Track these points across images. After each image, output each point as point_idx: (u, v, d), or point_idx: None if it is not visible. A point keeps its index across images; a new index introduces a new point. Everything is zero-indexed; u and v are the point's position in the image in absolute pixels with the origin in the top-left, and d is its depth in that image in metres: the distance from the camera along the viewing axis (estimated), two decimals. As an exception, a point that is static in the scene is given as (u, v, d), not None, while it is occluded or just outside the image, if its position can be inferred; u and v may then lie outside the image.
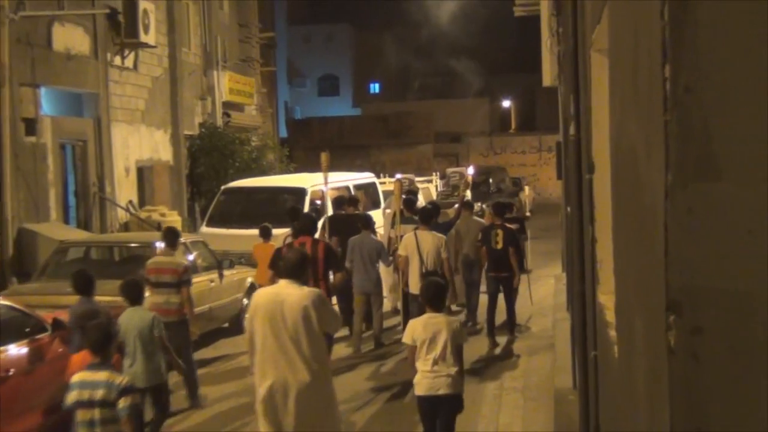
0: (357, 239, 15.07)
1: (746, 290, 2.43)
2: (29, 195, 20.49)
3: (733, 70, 2.41)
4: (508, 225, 15.58)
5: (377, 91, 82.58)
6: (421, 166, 47.31)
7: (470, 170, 26.97)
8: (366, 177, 24.81)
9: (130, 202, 25.43)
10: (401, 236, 14.63)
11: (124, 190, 25.29)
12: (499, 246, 15.00)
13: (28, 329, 10.09)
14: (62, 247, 16.10)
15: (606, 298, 5.91)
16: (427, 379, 8.42)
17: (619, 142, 4.18)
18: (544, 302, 18.83)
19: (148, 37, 25.27)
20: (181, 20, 29.96)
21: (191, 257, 15.07)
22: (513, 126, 66.21)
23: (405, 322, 12.98)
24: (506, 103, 66.92)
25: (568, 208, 11.21)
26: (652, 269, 2.81)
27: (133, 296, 9.94)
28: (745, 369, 2.44)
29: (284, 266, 8.21)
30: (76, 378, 7.15)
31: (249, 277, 17.19)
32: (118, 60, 25.09)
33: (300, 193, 20.53)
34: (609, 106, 4.82)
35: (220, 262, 15.96)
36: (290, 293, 7.86)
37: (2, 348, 9.60)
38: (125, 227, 24.27)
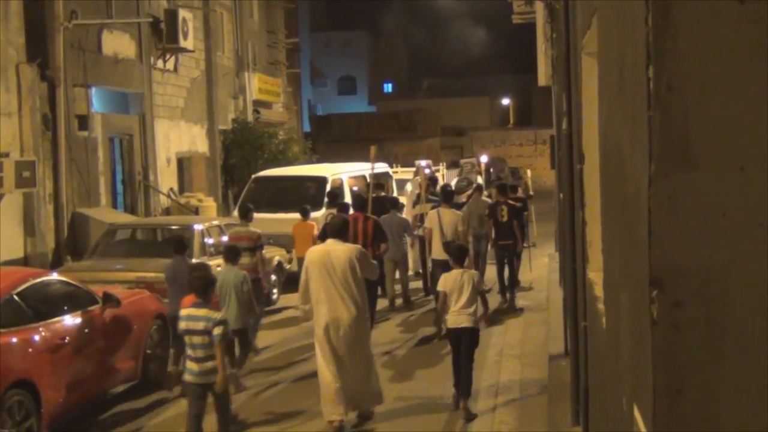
0: (387, 217, 15.71)
1: (721, 267, 2.42)
2: (82, 183, 20.54)
3: (710, 71, 2.41)
4: (511, 202, 16.53)
5: (390, 90, 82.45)
6: (430, 157, 47.13)
7: (483, 158, 27.15)
8: (380, 167, 24.74)
9: (171, 189, 25.46)
10: (421, 215, 16.45)
11: (166, 179, 25.32)
12: (504, 219, 16.09)
13: (81, 302, 10.13)
14: (111, 229, 16.15)
15: (595, 275, 5.90)
16: (455, 316, 9.86)
17: (606, 135, 4.17)
18: (539, 278, 18.80)
19: (187, 43, 25.24)
20: (216, 28, 29.93)
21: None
22: (511, 121, 65.93)
23: (425, 282, 16.50)
24: (505, 101, 66.66)
25: (561, 195, 11.20)
26: (636, 249, 2.80)
27: (231, 258, 11.08)
28: (719, 337, 2.44)
29: (330, 229, 9.55)
30: (184, 312, 8.39)
31: (277, 255, 17.19)
32: (160, 63, 25.08)
33: (321, 181, 20.51)
34: (598, 104, 4.80)
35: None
36: (337, 248, 9.19)
37: (58, 318, 9.65)
38: (167, 211, 24.33)
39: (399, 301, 16.40)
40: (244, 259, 12.35)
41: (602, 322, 4.69)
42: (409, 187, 22.07)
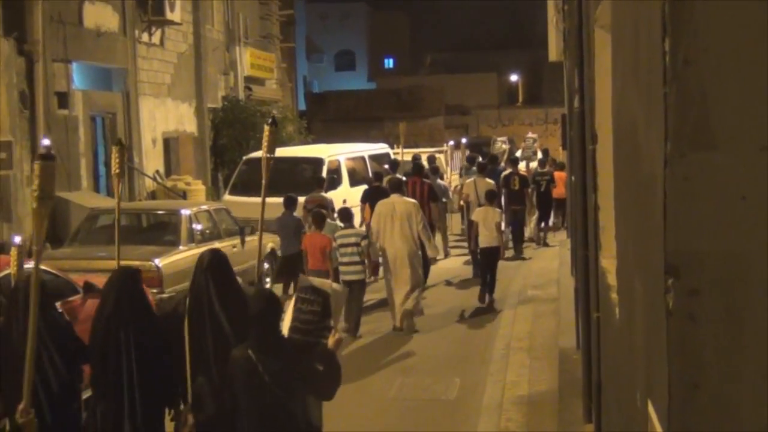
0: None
1: (741, 253, 2.42)
2: (61, 165, 20.52)
3: (731, 43, 2.40)
4: (522, 173, 21.15)
5: (391, 66, 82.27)
6: (433, 137, 46.96)
7: (532, 135, 32.31)
8: (380, 147, 24.77)
9: (157, 171, 25.46)
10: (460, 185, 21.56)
11: (151, 161, 25.33)
12: (516, 188, 20.31)
13: (60, 292, 10.12)
14: (93, 214, 16.12)
15: (608, 263, 5.90)
16: (482, 237, 15.24)
17: (620, 113, 4.17)
18: (550, 267, 18.83)
19: (174, 15, 25.23)
20: (205, -1, 29.90)
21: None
22: (520, 99, 65.77)
23: (468, 235, 19.25)
24: (514, 78, 66.50)
25: (573, 177, 11.20)
26: (651, 235, 2.80)
27: (345, 217, 14.03)
28: (739, 328, 2.44)
29: (391, 186, 14.79)
30: (339, 233, 13.38)
31: (270, 243, 17.19)
32: (145, 36, 25.06)
33: (317, 162, 20.51)
34: (611, 80, 4.80)
35: (242, 228, 15.97)
36: (399, 201, 13.74)
37: (37, 309, 9.64)
38: (152, 196, 24.33)
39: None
40: None
41: (615, 313, 4.70)
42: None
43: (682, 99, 2.43)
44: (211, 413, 6.03)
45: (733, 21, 2.38)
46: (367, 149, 23.74)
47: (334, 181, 19.95)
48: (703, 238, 2.44)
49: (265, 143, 7.89)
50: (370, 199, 17.62)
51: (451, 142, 29.19)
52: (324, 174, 19.93)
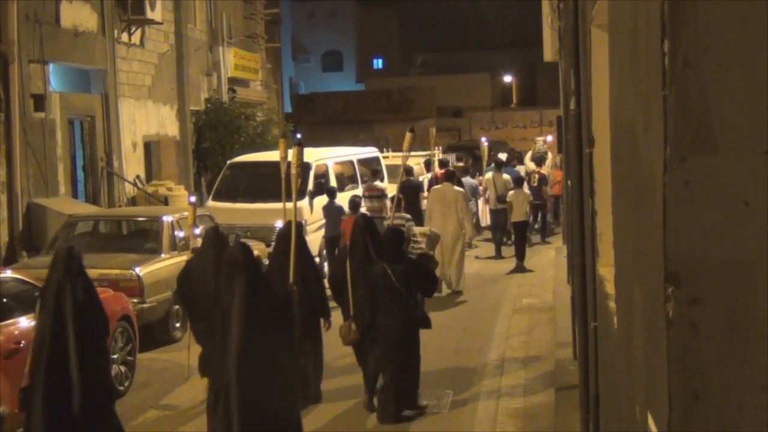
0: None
1: (744, 261, 2.43)
2: (38, 170, 20.48)
3: (732, 44, 2.41)
4: (543, 172, 24.52)
5: (380, 66, 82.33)
6: (424, 140, 46.94)
7: (549, 137, 33.73)
8: (369, 151, 24.76)
9: (138, 176, 25.41)
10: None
11: (132, 165, 25.27)
12: (535, 184, 23.64)
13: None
14: (71, 221, 16.10)
15: (606, 270, 5.91)
16: (515, 214, 20.18)
17: (618, 116, 4.18)
18: (545, 274, 18.86)
19: (155, 14, 25.17)
20: (187, -3, 29.85)
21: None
22: (514, 101, 65.84)
23: (492, 223, 23.26)
24: (508, 78, 66.56)
25: (569, 182, 11.22)
26: (650, 241, 2.81)
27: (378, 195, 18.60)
28: (741, 338, 2.45)
29: (445, 176, 18.48)
30: (396, 215, 14.80)
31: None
32: (125, 36, 25.00)
33: (305, 167, 20.46)
34: (609, 81, 4.81)
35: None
36: (449, 189, 17.58)
37: (13, 320, 9.62)
38: (133, 202, 24.27)
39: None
40: (375, 203, 18.21)
41: (614, 323, 4.71)
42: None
43: (681, 102, 2.44)
44: (368, 322, 10.12)
45: (734, 21, 2.40)
46: (355, 153, 23.71)
47: (321, 187, 19.90)
48: (705, 245, 2.45)
49: (405, 146, 12.19)
50: (402, 190, 19.62)
51: (483, 139, 32.19)
52: (312, 179, 19.96)
